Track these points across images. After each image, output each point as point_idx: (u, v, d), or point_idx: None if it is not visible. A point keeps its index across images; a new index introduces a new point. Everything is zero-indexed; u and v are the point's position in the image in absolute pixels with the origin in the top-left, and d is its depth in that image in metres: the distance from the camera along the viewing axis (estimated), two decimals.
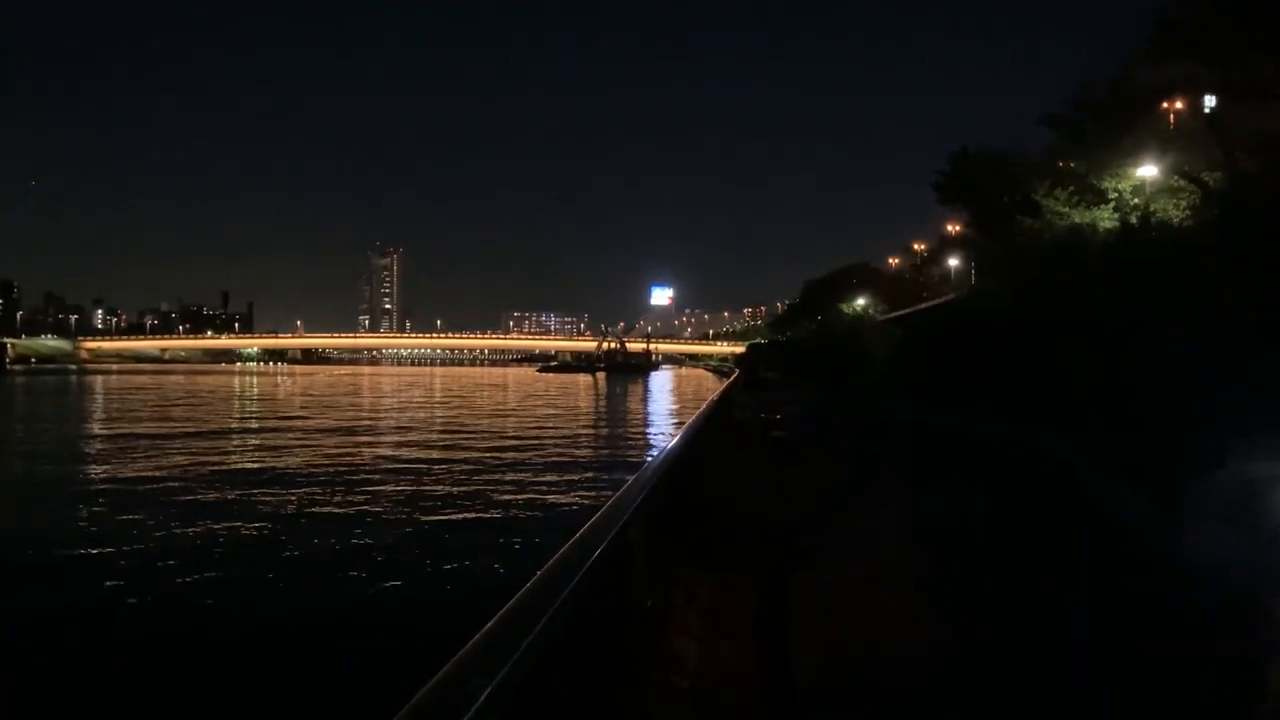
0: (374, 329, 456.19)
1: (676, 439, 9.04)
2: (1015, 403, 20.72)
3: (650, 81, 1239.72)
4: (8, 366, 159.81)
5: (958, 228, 48.97)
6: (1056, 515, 10.26)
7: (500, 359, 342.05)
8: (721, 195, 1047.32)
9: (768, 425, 19.64)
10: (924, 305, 44.48)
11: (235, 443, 33.08)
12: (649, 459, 7.47)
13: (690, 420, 12.56)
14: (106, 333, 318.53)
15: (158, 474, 23.31)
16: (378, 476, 23.32)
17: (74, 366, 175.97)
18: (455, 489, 21.07)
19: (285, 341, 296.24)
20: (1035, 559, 8.01)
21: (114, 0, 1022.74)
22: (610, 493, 5.10)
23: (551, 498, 20.28)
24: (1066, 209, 25.77)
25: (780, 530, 8.62)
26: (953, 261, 49.50)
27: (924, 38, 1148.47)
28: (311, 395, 75.36)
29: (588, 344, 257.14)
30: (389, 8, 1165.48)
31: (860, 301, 61.94)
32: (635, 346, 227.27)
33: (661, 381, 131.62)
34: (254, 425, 41.50)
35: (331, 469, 24.68)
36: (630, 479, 5.20)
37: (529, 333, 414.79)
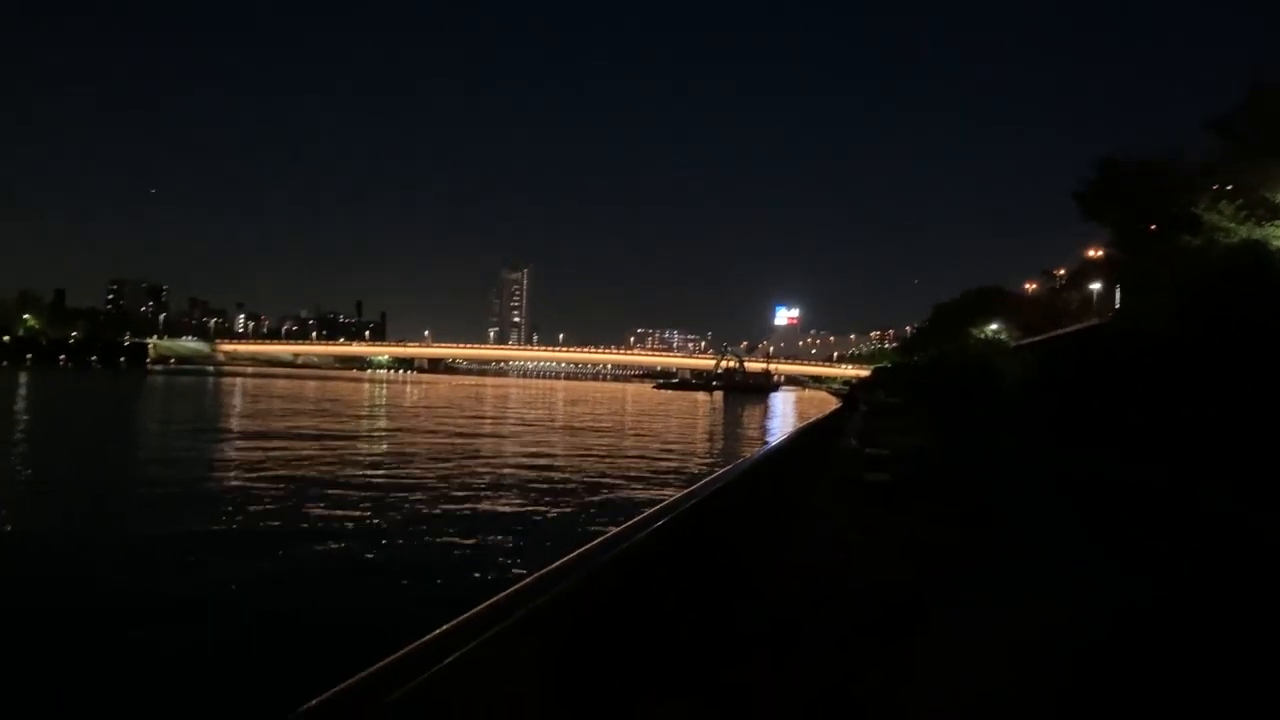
0: (502, 341, 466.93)
1: (712, 476, 6.95)
2: (1171, 446, 17.60)
3: (775, 106, 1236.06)
4: (148, 366, 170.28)
5: (1099, 252, 45.25)
6: (1244, 620, 7.05)
7: (621, 374, 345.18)
8: (852, 216, 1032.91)
9: (870, 461, 16.87)
10: (1062, 331, 40.87)
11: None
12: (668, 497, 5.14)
13: (752, 453, 10.21)
14: (246, 337, 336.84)
15: None
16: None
17: (210, 368, 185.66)
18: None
19: (414, 350, 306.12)
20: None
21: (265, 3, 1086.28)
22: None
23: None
24: (1233, 224, 22.42)
25: (848, 628, 5.88)
26: (1094, 285, 45.75)
27: (1058, 49, 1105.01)
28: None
29: (707, 362, 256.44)
30: (524, 26, 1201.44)
31: (992, 326, 58.41)
32: (756, 366, 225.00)
33: (779, 403, 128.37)
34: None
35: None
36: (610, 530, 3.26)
37: (652, 349, 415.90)
